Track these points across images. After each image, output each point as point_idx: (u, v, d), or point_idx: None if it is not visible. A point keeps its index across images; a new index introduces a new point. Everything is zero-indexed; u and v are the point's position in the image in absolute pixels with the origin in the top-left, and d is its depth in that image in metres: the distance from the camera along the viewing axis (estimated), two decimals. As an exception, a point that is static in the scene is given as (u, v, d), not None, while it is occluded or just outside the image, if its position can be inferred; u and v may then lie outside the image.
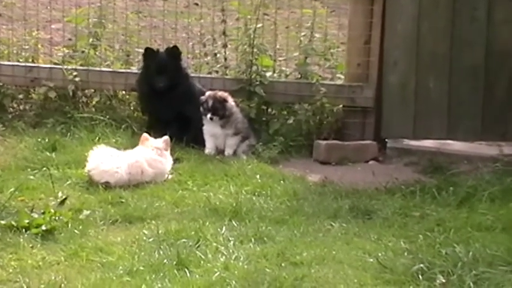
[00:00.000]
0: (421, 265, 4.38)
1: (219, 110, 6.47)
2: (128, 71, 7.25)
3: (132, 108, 7.19)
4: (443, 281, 4.23)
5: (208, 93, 6.59)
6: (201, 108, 6.52)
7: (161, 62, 6.71)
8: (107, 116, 6.86)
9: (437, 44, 6.64)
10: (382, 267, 4.45)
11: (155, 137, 6.04)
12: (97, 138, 6.44)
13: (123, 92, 7.26)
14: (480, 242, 4.62)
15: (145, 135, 6.03)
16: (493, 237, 4.74)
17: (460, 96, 6.64)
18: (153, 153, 5.83)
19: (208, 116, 6.46)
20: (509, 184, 5.53)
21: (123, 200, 5.32)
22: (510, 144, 6.54)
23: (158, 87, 6.68)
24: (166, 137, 5.98)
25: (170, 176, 5.85)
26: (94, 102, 7.18)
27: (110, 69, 7.24)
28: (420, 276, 4.30)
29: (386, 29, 6.74)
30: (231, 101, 6.57)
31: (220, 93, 6.55)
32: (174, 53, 6.76)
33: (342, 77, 7.14)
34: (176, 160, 6.21)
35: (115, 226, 4.96)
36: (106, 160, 5.63)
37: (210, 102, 6.48)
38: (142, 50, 6.96)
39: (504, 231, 4.82)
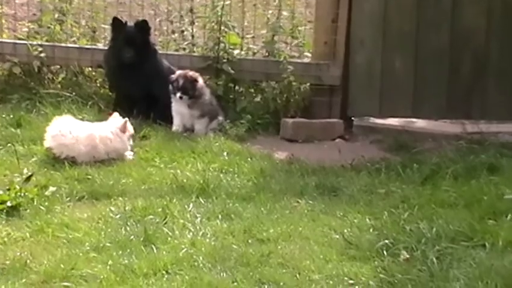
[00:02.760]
0: (386, 241, 4.44)
1: (189, 89, 6.44)
2: (94, 47, 7.20)
3: (98, 85, 7.15)
4: (407, 256, 4.30)
5: (178, 72, 6.55)
6: (171, 87, 6.49)
7: (129, 34, 6.64)
8: (73, 93, 6.81)
9: (404, 23, 6.68)
10: (347, 244, 4.50)
11: (122, 115, 6.00)
12: (63, 114, 6.38)
13: (90, 69, 7.21)
14: (443, 219, 4.69)
15: (115, 113, 5.98)
16: (455, 213, 4.81)
17: (426, 76, 6.70)
18: (108, 131, 5.78)
19: (178, 95, 6.44)
20: (471, 161, 5.61)
21: (89, 177, 5.31)
22: (473, 122, 6.63)
23: (125, 59, 6.58)
24: (124, 119, 5.89)
25: (130, 157, 5.82)
26: (60, 79, 7.12)
27: (76, 45, 7.18)
28: (385, 252, 4.36)
29: (354, 7, 6.76)
30: (201, 82, 6.55)
31: (191, 73, 6.53)
32: (143, 27, 6.70)
33: (309, 55, 7.16)
34: (143, 137, 6.20)
35: (81, 203, 4.95)
36: (65, 133, 5.58)
37: (181, 82, 6.45)
38: (108, 26, 6.90)
39: (466, 207, 4.90)
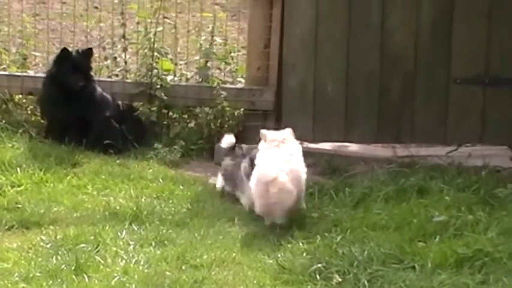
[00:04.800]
0: (319, 265, 4.48)
1: None
2: (25, 74, 7.10)
3: (29, 112, 7.04)
4: (340, 280, 4.35)
5: None
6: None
7: (78, 62, 6.63)
8: (3, 120, 6.70)
9: (335, 48, 6.79)
10: (281, 268, 4.53)
11: (53, 141, 5.94)
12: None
13: (20, 96, 7.11)
14: (375, 241, 4.75)
15: None
16: (386, 236, 4.88)
17: (357, 100, 6.80)
18: None
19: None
20: (402, 184, 5.70)
21: (19, 206, 5.22)
22: (404, 146, 6.74)
23: (76, 87, 6.57)
24: None
25: None
26: (-11, 107, 7.00)
27: (6, 73, 7.08)
28: (318, 276, 4.40)
29: (285, 32, 6.83)
30: None
31: None
32: (88, 54, 6.71)
33: (243, 80, 7.20)
34: (75, 164, 6.14)
35: (11, 232, 4.87)
36: None
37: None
38: (39, 54, 6.84)
39: (397, 230, 4.97)
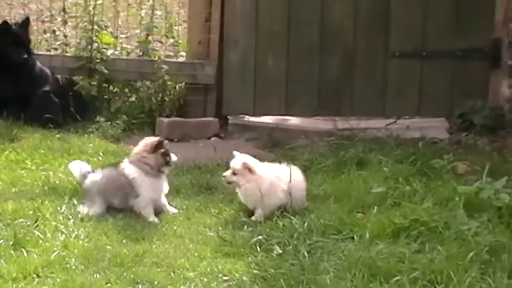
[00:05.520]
0: (260, 237, 4.51)
1: None
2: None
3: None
4: (280, 251, 4.38)
5: None
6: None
7: (20, 35, 6.51)
8: None
9: (275, 22, 6.81)
10: (222, 241, 4.55)
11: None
12: None
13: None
14: (315, 213, 4.80)
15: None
16: (326, 207, 4.94)
17: (298, 74, 6.85)
18: None
19: None
20: (342, 157, 5.77)
21: (-44, 181, 5.14)
22: (344, 119, 6.83)
23: (20, 59, 6.45)
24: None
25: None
26: None
27: None
28: (258, 248, 4.42)
29: (226, 6, 6.83)
30: None
31: None
32: (27, 25, 6.59)
33: (184, 54, 7.18)
34: (14, 139, 6.06)
35: None
36: None
37: None
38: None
39: (337, 201, 5.03)
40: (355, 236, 4.48)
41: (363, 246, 4.31)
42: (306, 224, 4.62)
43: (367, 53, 6.78)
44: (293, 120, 6.94)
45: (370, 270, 4.02)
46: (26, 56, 6.52)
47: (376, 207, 4.77)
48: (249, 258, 4.34)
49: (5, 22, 6.63)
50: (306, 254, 4.27)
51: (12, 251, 4.21)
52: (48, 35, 7.31)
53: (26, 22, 6.62)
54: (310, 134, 6.63)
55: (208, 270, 4.19)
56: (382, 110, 6.84)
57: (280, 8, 6.77)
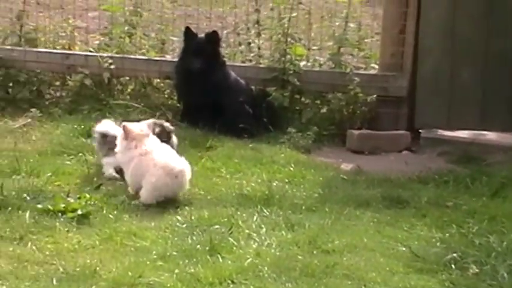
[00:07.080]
0: (454, 254, 4.38)
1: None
2: (163, 59, 7.31)
3: (166, 96, 7.25)
4: (477, 270, 4.22)
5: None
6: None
7: (199, 44, 6.75)
8: (142, 104, 6.93)
9: (473, 31, 6.58)
10: (414, 256, 4.45)
11: (188, 125, 6.04)
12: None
13: (158, 80, 7.32)
14: (515, 233, 4.59)
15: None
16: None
17: (496, 86, 6.59)
18: None
19: None
20: (543, 175, 5.48)
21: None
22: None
23: (194, 69, 6.67)
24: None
25: None
26: (129, 90, 7.25)
27: (145, 57, 7.30)
28: (453, 266, 4.30)
29: (421, 17, 6.70)
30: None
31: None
32: (213, 38, 6.79)
33: (376, 66, 7.12)
34: (209, 148, 6.26)
35: (149, 211, 5.01)
36: None
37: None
38: (177, 38, 7.00)
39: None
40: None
41: None
42: (504, 243, 4.42)
43: None
44: (490, 135, 6.67)
45: None
46: (199, 66, 6.69)
47: None
48: (443, 276, 4.23)
49: (188, 28, 6.84)
50: (505, 275, 4.08)
51: (208, 257, 4.34)
52: (243, 46, 7.51)
53: (211, 34, 6.81)
54: (508, 149, 6.33)
55: (400, 285, 4.12)
56: None
57: (477, 16, 6.53)
